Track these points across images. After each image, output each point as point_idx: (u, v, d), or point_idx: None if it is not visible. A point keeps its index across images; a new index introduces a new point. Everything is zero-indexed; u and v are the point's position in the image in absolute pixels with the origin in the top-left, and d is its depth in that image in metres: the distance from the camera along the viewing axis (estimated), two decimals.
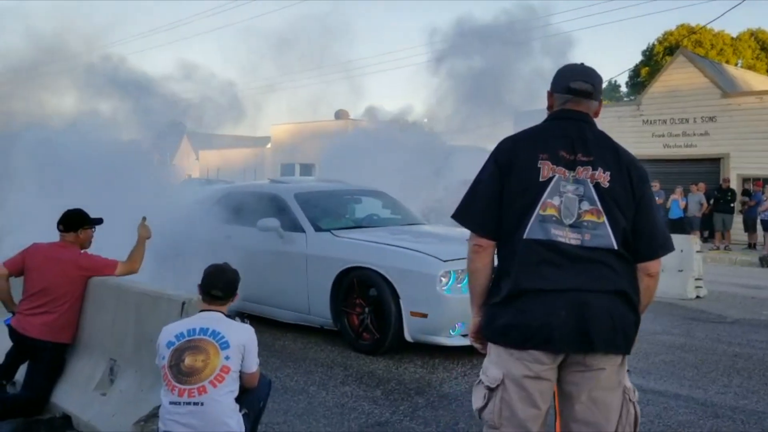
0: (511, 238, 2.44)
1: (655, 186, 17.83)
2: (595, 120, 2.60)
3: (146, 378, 3.92)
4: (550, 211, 2.40)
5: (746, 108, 18.60)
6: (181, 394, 3.04)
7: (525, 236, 2.40)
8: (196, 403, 3.02)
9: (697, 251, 9.95)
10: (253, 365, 3.27)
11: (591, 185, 2.41)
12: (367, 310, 5.99)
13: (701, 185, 17.55)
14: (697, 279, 9.74)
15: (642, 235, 2.44)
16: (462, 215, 2.56)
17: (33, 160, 6.94)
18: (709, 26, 34.80)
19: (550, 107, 2.63)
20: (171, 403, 3.05)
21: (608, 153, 2.47)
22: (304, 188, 7.38)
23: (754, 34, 39.40)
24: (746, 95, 19.26)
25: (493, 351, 2.49)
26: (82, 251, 4.62)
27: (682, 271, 9.74)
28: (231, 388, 3.13)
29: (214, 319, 3.24)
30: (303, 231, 6.60)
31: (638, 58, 41.70)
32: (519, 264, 2.40)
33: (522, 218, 2.41)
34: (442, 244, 6.31)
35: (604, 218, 2.39)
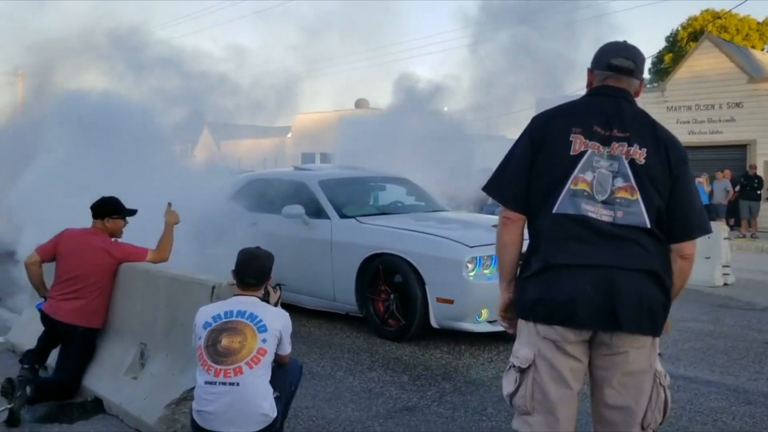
0: (540, 213, 2.42)
1: None
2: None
3: (177, 361, 3.95)
4: (582, 186, 2.37)
5: None
6: (217, 374, 3.06)
7: (554, 211, 2.38)
8: (231, 384, 3.04)
9: (725, 238, 9.82)
10: (287, 348, 3.32)
11: (626, 161, 2.37)
12: (392, 296, 5.98)
13: (727, 172, 17.29)
14: (724, 266, 9.62)
15: (678, 215, 2.39)
16: (492, 187, 2.56)
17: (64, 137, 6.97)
18: (734, 11, 34.18)
19: (589, 84, 2.58)
20: (206, 382, 3.07)
21: (646, 130, 2.42)
22: (329, 175, 7.38)
23: None
24: None
25: (524, 331, 2.47)
26: (113, 239, 4.64)
27: (710, 258, 9.60)
28: (266, 370, 3.15)
29: (250, 303, 3.26)
30: (328, 218, 6.60)
31: (662, 44, 41.05)
32: (548, 239, 2.39)
33: (552, 192, 2.39)
34: (468, 230, 6.28)
35: (637, 195, 2.34)
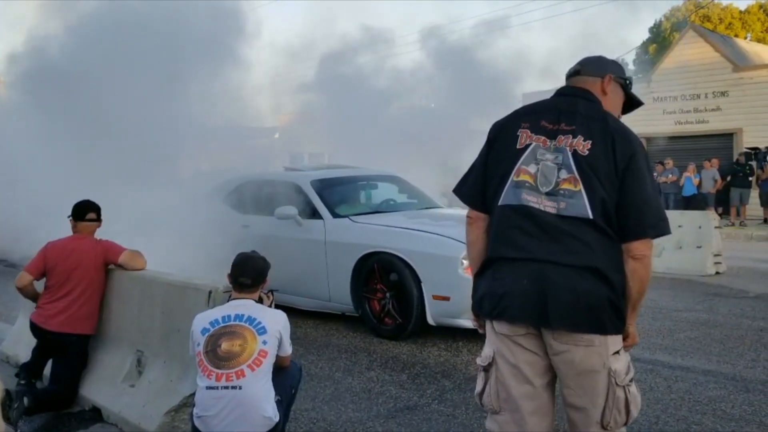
0: (492, 207, 2.47)
1: (669, 164, 17.69)
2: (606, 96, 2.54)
3: (175, 368, 3.92)
4: (524, 178, 2.39)
5: (759, 81, 18.36)
6: (218, 378, 3.03)
7: (500, 203, 2.42)
8: (234, 387, 3.02)
9: (716, 227, 9.88)
10: (288, 349, 3.30)
11: (569, 153, 2.36)
12: (388, 295, 5.97)
13: (714, 161, 17.38)
14: (716, 255, 9.67)
15: (629, 211, 2.30)
16: (457, 188, 2.66)
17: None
18: (716, 0, 34.40)
19: None
20: (208, 387, 3.04)
21: (595, 123, 2.40)
22: (321, 175, 7.34)
23: (762, 7, 38.86)
24: (758, 68, 19.00)
25: (486, 330, 2.51)
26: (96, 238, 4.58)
27: (701, 248, 9.68)
28: (268, 373, 3.12)
29: (247, 306, 3.24)
30: (321, 218, 6.57)
31: (645, 35, 41.21)
32: (494, 231, 2.44)
33: (500, 186, 2.44)
34: (462, 226, 6.24)
35: (580, 186, 2.31)
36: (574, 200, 2.31)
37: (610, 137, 2.35)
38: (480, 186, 2.52)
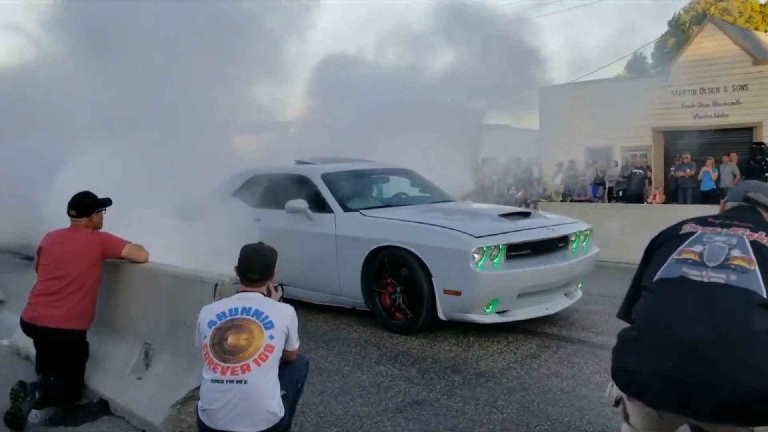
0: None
1: (686, 158, 17.45)
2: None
3: (182, 361, 3.90)
4: (687, 256, 2.27)
5: None
6: (224, 372, 3.00)
7: (656, 278, 2.30)
8: (239, 381, 2.98)
9: None
10: (295, 343, 3.25)
11: (746, 240, 2.25)
12: (399, 289, 5.92)
13: (733, 155, 17.10)
14: None
15: None
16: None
17: None
18: None
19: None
20: (213, 381, 3.01)
21: None
22: (331, 168, 7.30)
23: None
24: None
25: None
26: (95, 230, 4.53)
27: None
28: (274, 368, 3.08)
29: (255, 300, 3.19)
30: (332, 212, 6.54)
31: (664, 28, 40.74)
32: (642, 301, 2.32)
33: (656, 270, 2.33)
34: (474, 220, 6.21)
35: (755, 266, 2.16)
36: (747, 275, 2.15)
37: None
38: (632, 298, 2.42)
